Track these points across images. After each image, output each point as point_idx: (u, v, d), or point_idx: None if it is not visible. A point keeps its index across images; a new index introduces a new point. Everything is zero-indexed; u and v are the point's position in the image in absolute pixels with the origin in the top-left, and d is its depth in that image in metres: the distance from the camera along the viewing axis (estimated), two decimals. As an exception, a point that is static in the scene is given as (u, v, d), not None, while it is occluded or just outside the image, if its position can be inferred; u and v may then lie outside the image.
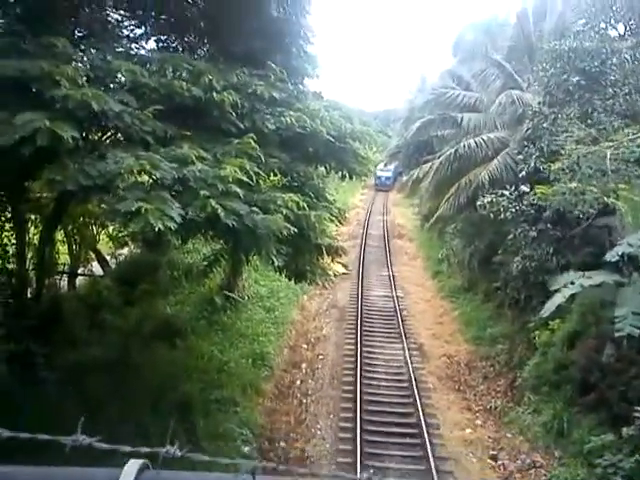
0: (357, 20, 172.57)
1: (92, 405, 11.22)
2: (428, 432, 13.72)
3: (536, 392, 14.83)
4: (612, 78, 15.85)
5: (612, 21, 19.79)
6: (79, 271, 18.16)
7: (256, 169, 8.89)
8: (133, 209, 7.07)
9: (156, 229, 6.94)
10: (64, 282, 17.37)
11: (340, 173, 12.57)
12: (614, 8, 19.34)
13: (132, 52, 11.91)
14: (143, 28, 13.35)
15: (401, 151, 32.46)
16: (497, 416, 15.13)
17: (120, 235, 17.43)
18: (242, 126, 9.97)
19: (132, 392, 12.30)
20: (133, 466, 1.10)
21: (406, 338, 19.77)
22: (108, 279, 18.36)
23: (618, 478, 10.49)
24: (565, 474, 11.75)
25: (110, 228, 17.18)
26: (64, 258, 17.46)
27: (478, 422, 15.02)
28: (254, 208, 8.56)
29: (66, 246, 17.51)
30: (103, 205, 8.50)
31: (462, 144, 20.52)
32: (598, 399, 12.75)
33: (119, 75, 9.19)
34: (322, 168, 12.78)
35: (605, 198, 12.64)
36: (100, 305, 15.98)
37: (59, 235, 15.94)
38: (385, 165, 61.09)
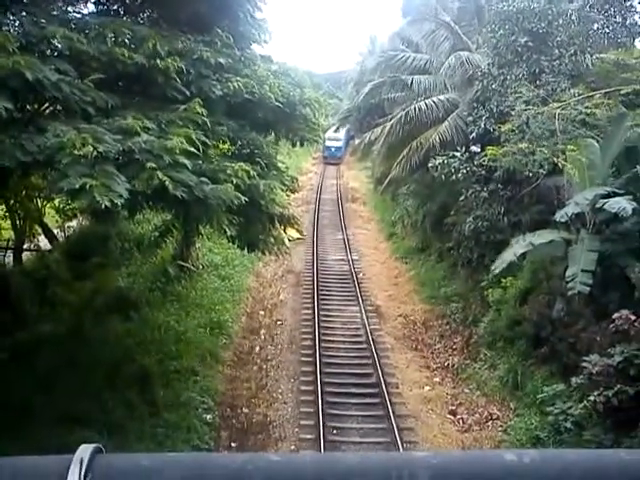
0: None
1: (46, 383, 11.05)
2: (388, 391, 14.06)
3: (491, 348, 15.34)
4: (559, 39, 16.03)
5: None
6: (25, 246, 17.54)
7: (204, 138, 8.67)
8: (77, 186, 6.80)
9: (102, 206, 6.70)
10: (9, 258, 16.79)
11: (290, 140, 12.41)
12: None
13: (69, 16, 11.28)
14: (80, -11, 12.67)
15: (352, 114, 32.09)
16: (454, 373, 15.61)
17: (67, 208, 16.88)
18: (188, 93, 9.65)
19: (88, 367, 12.19)
20: (85, 451, 1.04)
21: (362, 300, 20.02)
22: (57, 253, 17.85)
23: (568, 424, 11.05)
24: (520, 424, 12.34)
25: (56, 200, 16.61)
26: (8, 233, 16.85)
27: (436, 379, 15.46)
28: (203, 178, 8.39)
29: (9, 221, 16.86)
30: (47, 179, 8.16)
31: (413, 106, 20.52)
32: (550, 352, 13.31)
33: (54, 42, 8.69)
34: (272, 135, 12.57)
35: (555, 159, 12.89)
36: (49, 280, 15.55)
37: (0, 210, 15.34)
38: (336, 130, 48.97)
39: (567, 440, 10.91)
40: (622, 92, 13.78)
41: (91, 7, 12.68)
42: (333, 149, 53.06)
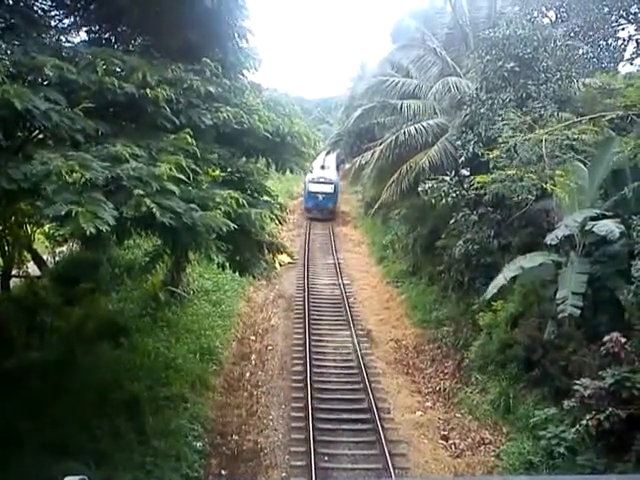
0: (297, 7, 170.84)
1: (34, 411, 10.91)
2: (379, 417, 13.98)
3: (483, 372, 15.29)
4: (544, 64, 16.29)
5: (544, 9, 20.39)
6: (13, 272, 17.40)
7: (193, 165, 8.71)
8: (62, 213, 6.80)
9: (87, 233, 6.70)
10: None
11: (280, 169, 12.43)
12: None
13: (60, 45, 11.37)
14: (72, 18, 12.80)
15: (343, 138, 32.27)
16: (446, 397, 15.53)
17: (57, 233, 16.77)
18: (178, 122, 9.67)
19: (76, 394, 12.05)
20: None
21: (354, 325, 20.00)
22: (46, 279, 17.74)
23: (561, 448, 10.99)
24: (512, 448, 12.25)
25: (46, 226, 16.54)
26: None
27: (428, 404, 15.37)
28: (192, 205, 8.40)
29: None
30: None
31: (403, 131, 20.74)
32: (541, 375, 13.30)
33: (45, 71, 8.73)
34: (263, 161, 12.60)
35: (543, 184, 13.00)
36: (38, 306, 15.43)
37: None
38: (323, 166, 36.87)
39: (560, 465, 10.86)
40: (607, 118, 13.98)
41: (83, 35, 12.84)
42: (321, 197, 36.94)
